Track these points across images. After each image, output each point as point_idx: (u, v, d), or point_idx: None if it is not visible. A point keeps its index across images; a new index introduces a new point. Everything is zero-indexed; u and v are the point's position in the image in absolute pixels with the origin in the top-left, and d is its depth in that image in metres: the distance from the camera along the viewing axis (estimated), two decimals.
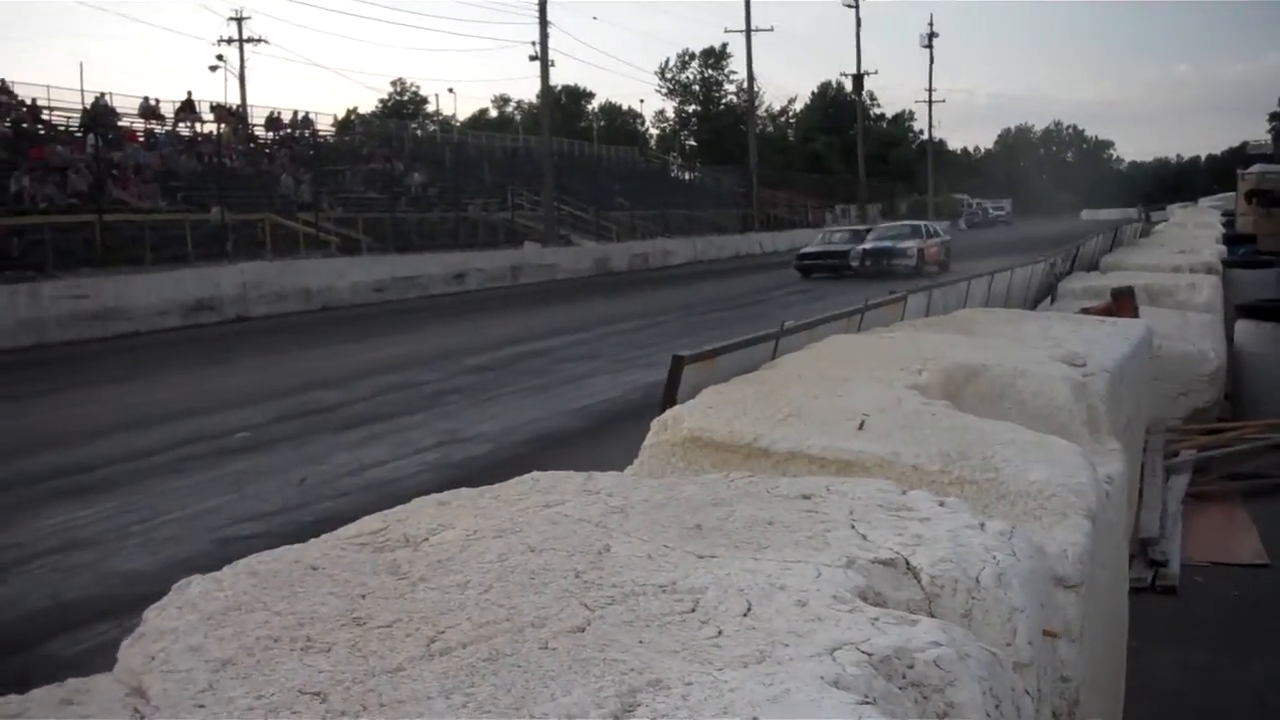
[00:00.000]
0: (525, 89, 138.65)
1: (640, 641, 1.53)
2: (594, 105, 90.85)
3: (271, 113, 40.33)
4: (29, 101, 31.01)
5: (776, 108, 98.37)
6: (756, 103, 73.37)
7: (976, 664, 1.58)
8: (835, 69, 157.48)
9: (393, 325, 21.08)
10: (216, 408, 11.80)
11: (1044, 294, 10.61)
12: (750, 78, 63.11)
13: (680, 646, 1.51)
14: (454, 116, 76.46)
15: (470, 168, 43.40)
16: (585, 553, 1.92)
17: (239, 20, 54.17)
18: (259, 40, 56.15)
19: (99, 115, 31.27)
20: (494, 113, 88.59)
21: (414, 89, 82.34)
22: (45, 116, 31.15)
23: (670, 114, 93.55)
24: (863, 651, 1.51)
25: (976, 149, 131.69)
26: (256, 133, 38.88)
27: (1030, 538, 2.17)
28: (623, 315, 21.21)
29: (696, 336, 14.02)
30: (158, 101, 35.19)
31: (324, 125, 44.12)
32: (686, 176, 68.65)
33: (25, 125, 29.94)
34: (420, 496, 2.39)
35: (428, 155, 44.13)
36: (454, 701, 1.37)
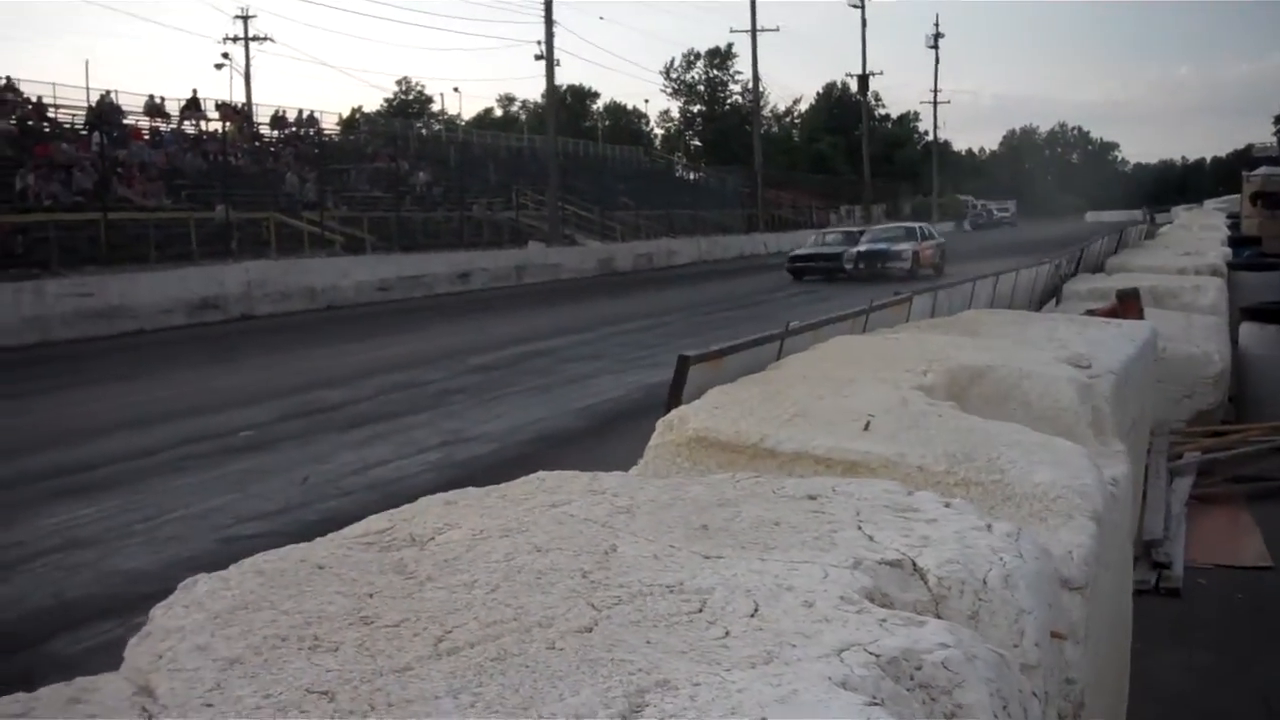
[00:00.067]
0: (530, 88, 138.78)
1: (648, 642, 1.53)
2: (599, 105, 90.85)
3: (277, 111, 40.31)
4: (34, 99, 30.99)
5: (781, 108, 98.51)
6: (761, 103, 73.25)
7: (984, 665, 1.58)
8: (840, 69, 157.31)
9: (397, 324, 21.09)
10: (220, 406, 11.80)
11: (1049, 295, 10.62)
12: (755, 78, 63.20)
13: (688, 647, 1.51)
14: (459, 116, 76.31)
15: (475, 167, 43.35)
16: (592, 553, 1.92)
17: (244, 18, 54.39)
18: (264, 38, 56.18)
19: (104, 113, 31.28)
20: (499, 112, 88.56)
21: (419, 88, 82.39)
22: (50, 114, 31.13)
23: (675, 114, 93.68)
24: (870, 653, 1.51)
25: (981, 150, 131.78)
26: (261, 131, 38.84)
27: (1036, 539, 2.17)
28: (627, 315, 21.20)
29: (701, 337, 14.03)
30: (163, 99, 35.15)
31: (329, 124, 44.08)
32: (691, 177, 68.53)
33: (31, 123, 29.94)
34: (426, 496, 2.39)
35: (433, 154, 44.11)
36: (462, 701, 1.37)
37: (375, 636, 1.58)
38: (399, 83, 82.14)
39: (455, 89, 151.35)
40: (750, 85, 68.23)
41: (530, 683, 1.41)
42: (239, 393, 12.78)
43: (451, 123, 68.15)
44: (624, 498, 2.29)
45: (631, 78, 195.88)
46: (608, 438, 9.39)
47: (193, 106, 36.01)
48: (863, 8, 69.61)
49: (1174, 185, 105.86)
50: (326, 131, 42.41)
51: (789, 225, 60.11)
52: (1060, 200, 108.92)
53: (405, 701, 1.38)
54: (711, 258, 45.52)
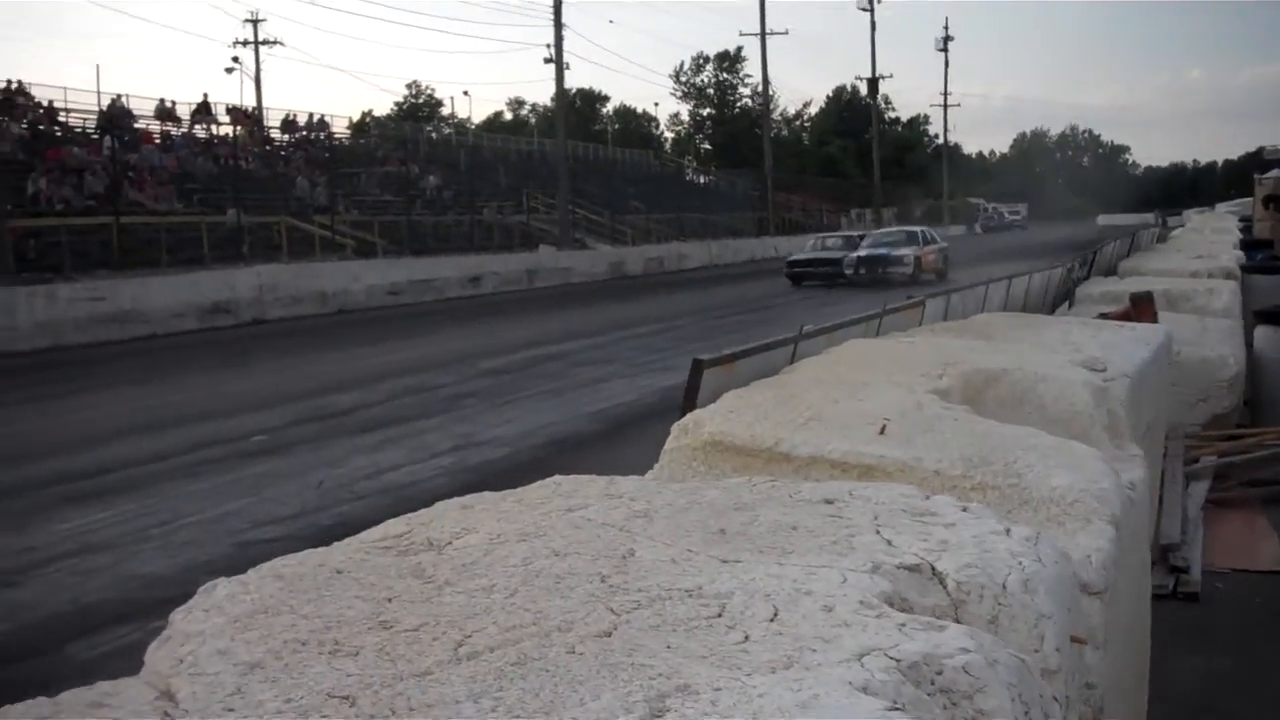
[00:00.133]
0: (540, 92, 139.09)
1: (668, 646, 1.52)
2: (609, 108, 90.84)
3: (287, 115, 40.44)
4: (46, 103, 31.15)
5: (791, 111, 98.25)
6: (771, 106, 73.34)
7: (1005, 670, 1.57)
8: (850, 72, 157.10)
9: (408, 328, 21.13)
10: (233, 411, 11.84)
11: (1062, 299, 10.59)
12: (765, 81, 63.29)
13: (708, 652, 1.51)
14: (469, 119, 76.60)
15: (485, 171, 43.44)
16: (610, 557, 1.92)
17: (254, 22, 54.38)
18: (274, 42, 56.25)
19: (115, 117, 31.41)
20: (509, 115, 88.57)
21: (429, 92, 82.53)
22: (62, 118, 31.27)
23: (685, 117, 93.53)
24: (891, 657, 1.50)
25: (992, 153, 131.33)
26: (272, 135, 38.96)
27: (1055, 544, 2.16)
28: (638, 319, 21.21)
29: (713, 341, 14.00)
30: (174, 104, 35.33)
31: (339, 128, 44.29)
32: (701, 180, 68.54)
33: (42, 127, 30.07)
34: (442, 500, 2.39)
35: (443, 158, 44.21)
36: (482, 705, 1.37)
37: (395, 641, 1.58)
38: (409, 86, 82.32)
39: (465, 92, 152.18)
40: (760, 88, 68.33)
41: (550, 687, 1.41)
42: (251, 397, 12.81)
43: (461, 126, 68.41)
44: (641, 502, 2.29)
45: (641, 81, 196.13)
46: (620, 442, 9.39)
47: (203, 110, 36.16)
48: (872, 11, 69.59)
49: (1185, 188, 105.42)
50: (337, 135, 42.58)
51: (799, 229, 59.99)
52: (1071, 203, 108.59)
53: (426, 706, 1.38)
54: (722, 261, 45.52)
